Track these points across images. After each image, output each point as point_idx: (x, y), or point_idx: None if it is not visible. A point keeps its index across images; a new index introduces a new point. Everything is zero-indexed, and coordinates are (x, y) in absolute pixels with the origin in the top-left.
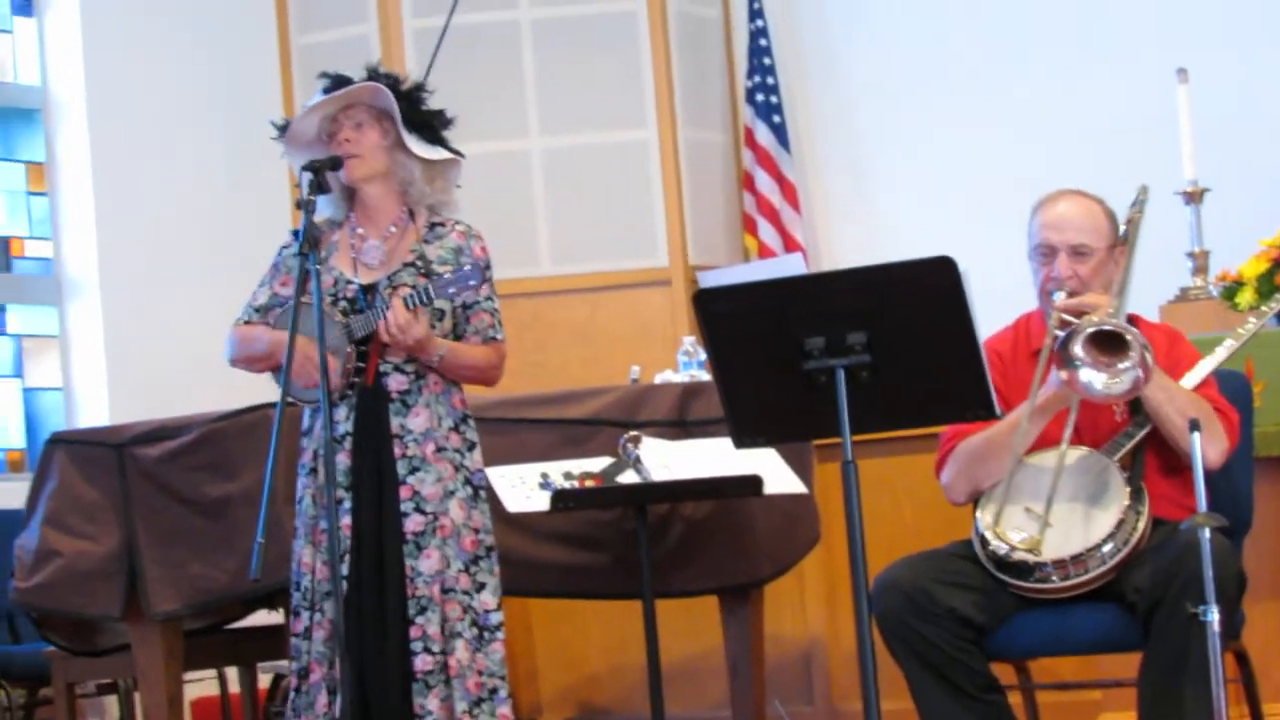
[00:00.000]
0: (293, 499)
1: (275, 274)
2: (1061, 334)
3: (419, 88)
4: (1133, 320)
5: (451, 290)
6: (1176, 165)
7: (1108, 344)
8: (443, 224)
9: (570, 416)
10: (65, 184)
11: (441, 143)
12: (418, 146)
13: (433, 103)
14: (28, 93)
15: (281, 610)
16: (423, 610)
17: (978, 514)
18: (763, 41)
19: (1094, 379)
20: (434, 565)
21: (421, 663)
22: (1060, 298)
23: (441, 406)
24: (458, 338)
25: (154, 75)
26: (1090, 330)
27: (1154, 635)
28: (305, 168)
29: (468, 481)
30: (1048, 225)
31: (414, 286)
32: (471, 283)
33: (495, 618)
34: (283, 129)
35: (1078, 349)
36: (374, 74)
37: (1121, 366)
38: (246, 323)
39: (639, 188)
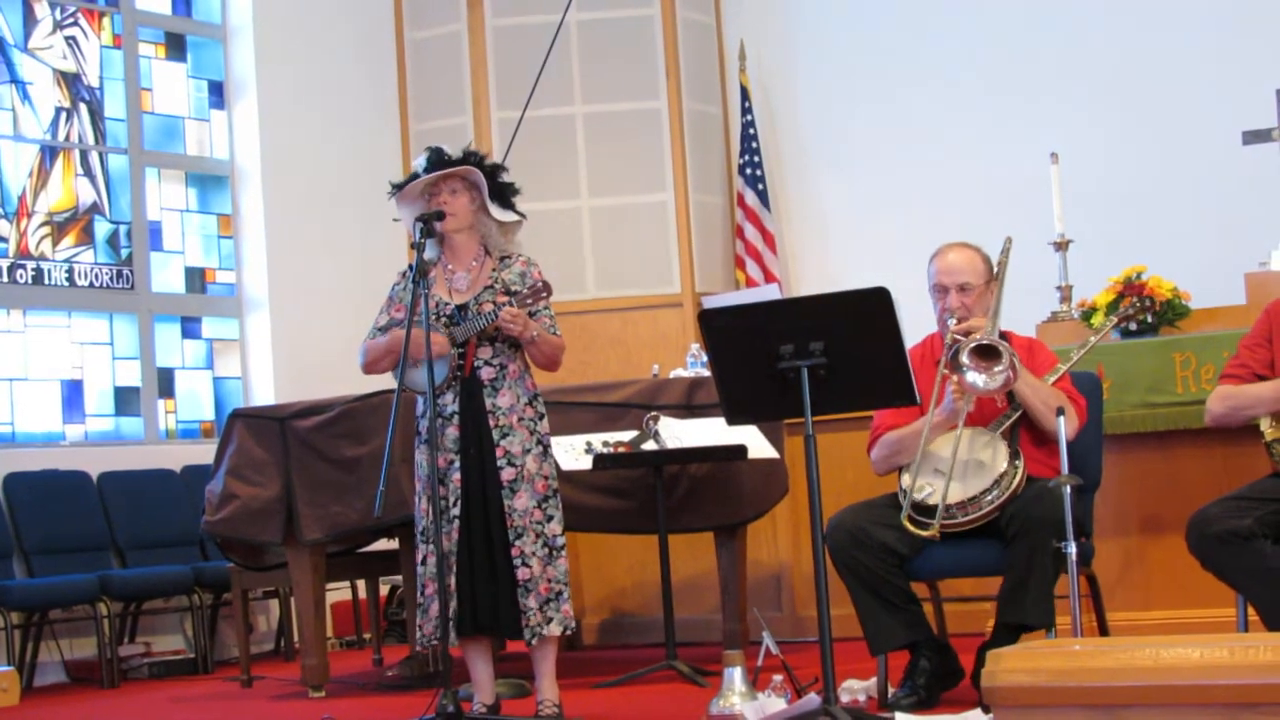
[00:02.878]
0: (409, 460)
1: (390, 303)
2: (951, 349)
3: (499, 166)
4: (1005, 335)
5: (529, 301)
6: (1050, 222)
7: (986, 354)
8: (509, 257)
9: (608, 401)
10: (245, 230)
11: (512, 207)
12: (495, 211)
13: (508, 177)
14: (219, 164)
15: (397, 539)
16: (519, 536)
17: (900, 477)
18: (751, 131)
19: (977, 379)
20: (524, 504)
21: (522, 573)
22: (953, 323)
23: (519, 388)
24: None
25: (311, 151)
26: (972, 345)
27: (1011, 555)
28: (418, 219)
29: (539, 442)
30: (940, 270)
31: (495, 302)
32: (543, 295)
33: (560, 540)
34: (397, 188)
35: (964, 358)
36: (469, 154)
37: (996, 370)
38: (371, 340)
39: (660, 235)
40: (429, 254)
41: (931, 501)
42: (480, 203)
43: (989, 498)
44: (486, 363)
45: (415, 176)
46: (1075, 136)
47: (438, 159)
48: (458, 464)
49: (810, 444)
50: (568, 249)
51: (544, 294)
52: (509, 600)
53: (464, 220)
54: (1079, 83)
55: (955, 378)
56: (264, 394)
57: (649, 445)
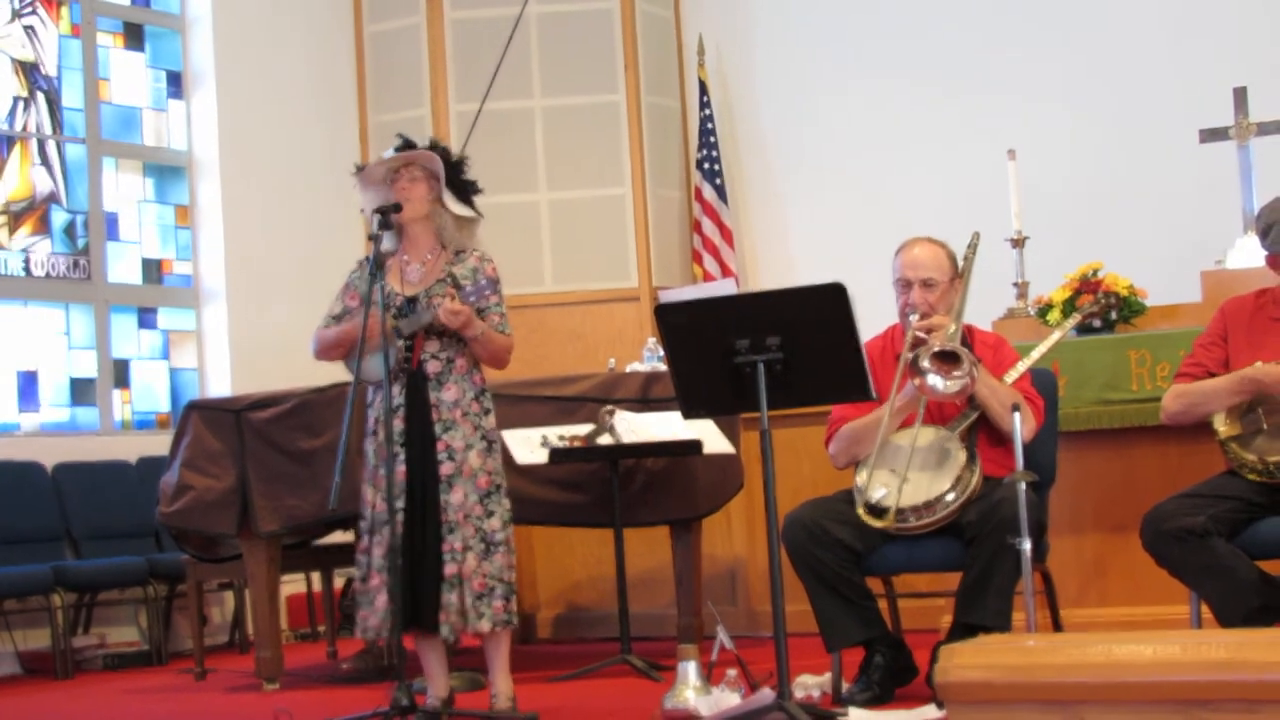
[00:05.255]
0: (363, 452)
1: (345, 291)
2: (912, 355)
3: (463, 160)
4: (969, 331)
5: (473, 298)
6: (1007, 219)
7: (947, 358)
8: (464, 251)
9: (564, 394)
10: (202, 221)
11: (470, 204)
12: (452, 203)
13: (470, 173)
14: (177, 154)
15: (352, 532)
16: (451, 530)
17: (856, 473)
18: (709, 125)
19: (937, 382)
20: (459, 499)
21: (449, 569)
22: (915, 319)
23: (466, 383)
24: None
25: (269, 142)
26: (934, 350)
27: (970, 558)
28: (376, 210)
29: (484, 437)
30: (905, 264)
31: (444, 296)
32: (487, 291)
33: (499, 536)
34: (360, 169)
35: (925, 362)
36: (433, 145)
37: (956, 374)
38: (325, 328)
39: (617, 229)
40: (388, 245)
41: (886, 502)
42: (438, 194)
43: (947, 499)
44: (433, 356)
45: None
46: (1034, 133)
47: (405, 146)
48: (402, 457)
49: (766, 439)
50: (525, 242)
51: (487, 290)
52: (432, 594)
53: (420, 208)
54: (1038, 80)
55: (916, 381)
56: (220, 385)
57: (605, 439)
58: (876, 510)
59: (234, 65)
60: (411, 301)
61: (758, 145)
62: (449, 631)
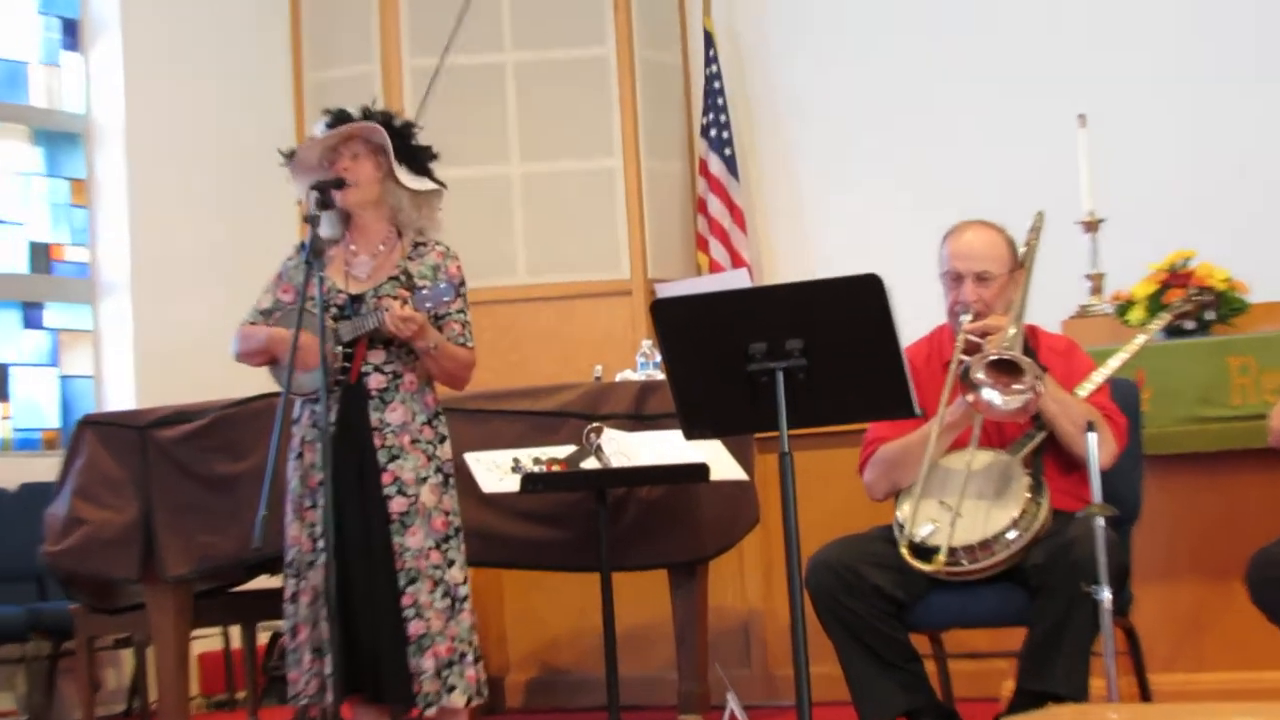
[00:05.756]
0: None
1: (278, 282)
2: (966, 359)
3: (410, 125)
4: (1033, 334)
5: (429, 305)
6: (1076, 198)
7: (1006, 368)
8: (425, 244)
9: (540, 409)
10: (103, 198)
11: (428, 174)
12: (406, 178)
13: (424, 136)
14: (72, 119)
15: (280, 575)
16: (413, 581)
17: (897, 506)
18: (716, 85)
19: (994, 397)
20: (419, 542)
21: (414, 627)
22: (967, 319)
23: (416, 403)
24: None
25: (184, 105)
26: (989, 359)
27: (1037, 610)
28: (313, 187)
29: (439, 469)
30: (955, 254)
31: (395, 298)
32: (445, 298)
33: (464, 590)
34: (289, 156)
35: (980, 373)
36: (370, 113)
37: (1017, 387)
38: (251, 323)
39: (606, 209)
40: (330, 231)
41: (935, 541)
42: (388, 169)
43: (1008, 537)
44: (378, 369)
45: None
46: (1110, 92)
47: (337, 121)
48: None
49: (786, 463)
50: (494, 224)
51: (445, 296)
52: (395, 659)
53: (369, 191)
54: (1114, 26)
55: (970, 395)
56: (121, 397)
57: (589, 463)
58: (923, 551)
59: (143, 12)
60: (356, 301)
61: (775, 109)
62: (425, 704)
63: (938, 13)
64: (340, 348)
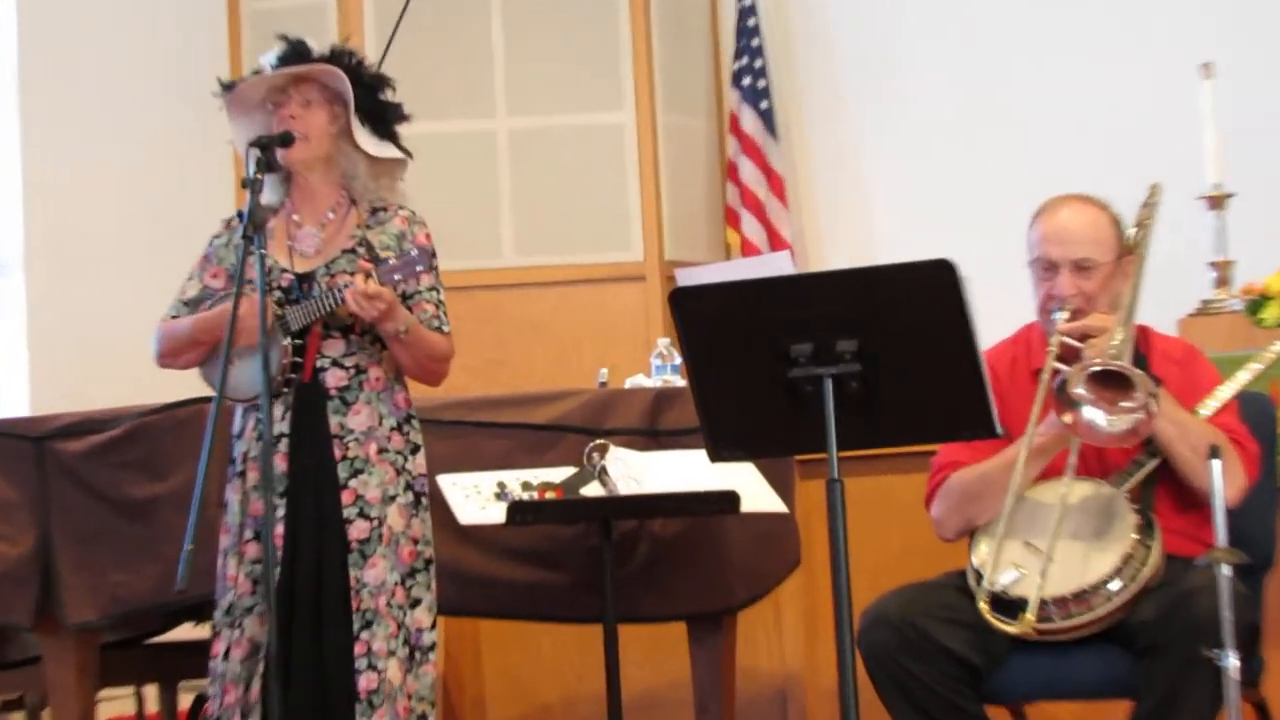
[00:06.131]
0: (224, 504)
1: (206, 265)
2: (1061, 369)
3: (381, 79)
4: (1144, 337)
5: (396, 277)
6: (1198, 168)
7: (1111, 379)
8: (385, 208)
9: (531, 421)
10: None
11: (393, 138)
12: (366, 140)
13: (393, 94)
14: None
15: (208, 625)
16: (368, 625)
17: (972, 547)
18: (751, 20)
19: (1096, 417)
20: (380, 575)
21: (366, 681)
22: (1062, 318)
23: (383, 405)
24: None
25: (91, 42)
26: (1090, 370)
27: (1145, 678)
28: (253, 144)
29: (409, 487)
30: (1048, 238)
31: (354, 274)
32: (419, 268)
33: (429, 638)
34: (228, 87)
35: (1078, 387)
36: (336, 54)
37: (1125, 405)
38: (173, 317)
39: (613, 175)
40: (272, 198)
41: (1020, 592)
42: (344, 124)
43: (1109, 588)
44: (336, 363)
45: (256, 74)
46: (1240, 39)
47: (294, 54)
48: (281, 513)
49: (836, 492)
50: (475, 192)
51: (418, 266)
52: (339, 717)
53: (318, 147)
54: None
55: (1067, 415)
56: (12, 400)
57: (591, 489)
58: (1005, 604)
59: None
60: (305, 281)
61: (825, 51)
62: None
63: None
64: (289, 340)
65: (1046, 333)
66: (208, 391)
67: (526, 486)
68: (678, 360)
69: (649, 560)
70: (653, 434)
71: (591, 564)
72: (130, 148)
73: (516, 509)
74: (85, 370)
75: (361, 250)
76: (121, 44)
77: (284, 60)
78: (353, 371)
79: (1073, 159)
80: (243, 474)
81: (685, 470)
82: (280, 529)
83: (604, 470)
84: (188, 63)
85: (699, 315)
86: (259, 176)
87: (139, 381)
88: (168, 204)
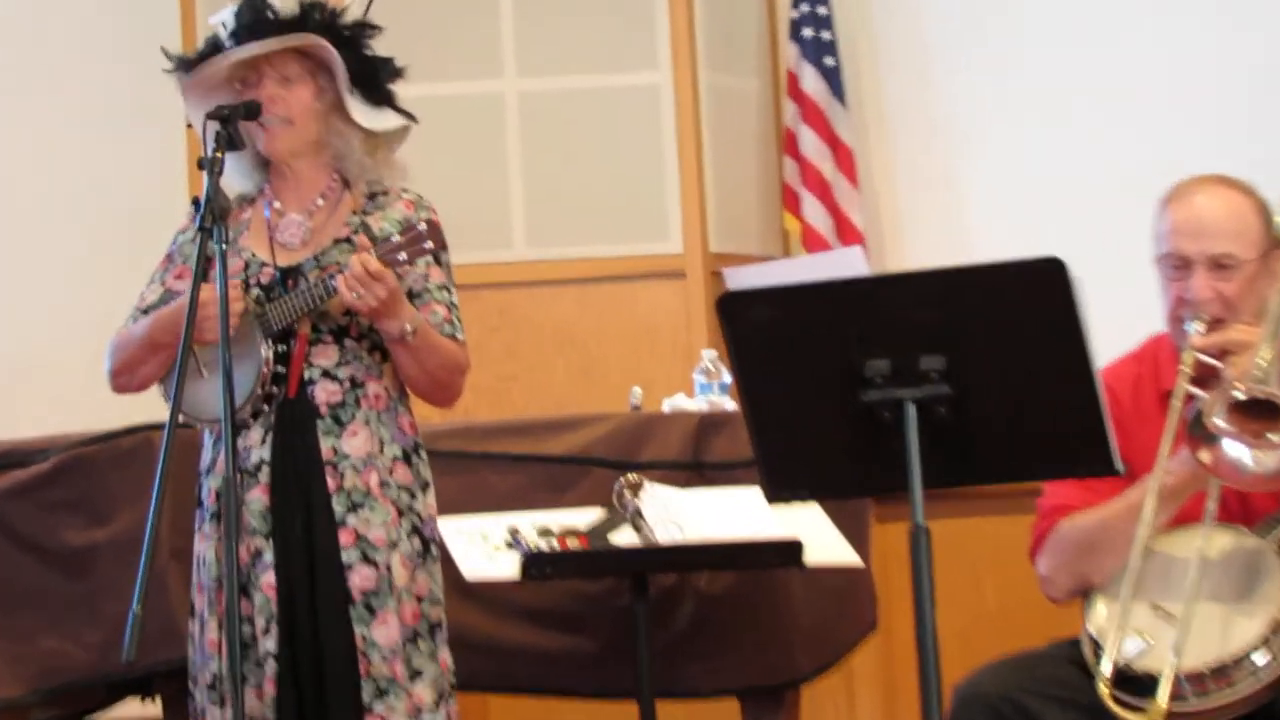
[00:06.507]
0: (185, 551)
1: (169, 265)
2: (1197, 393)
3: (364, 27)
4: None
5: (401, 256)
6: None
7: (1258, 408)
8: (385, 192)
9: (550, 453)
10: None
11: (389, 102)
12: (359, 112)
13: (379, 42)
14: None
15: (159, 700)
16: (382, 694)
17: (1088, 609)
18: None
19: (1239, 454)
20: (392, 636)
21: None
22: (1196, 330)
23: (385, 428)
24: None
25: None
26: (1233, 398)
27: None
28: (211, 115)
29: (415, 531)
30: (1180, 229)
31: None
32: (426, 244)
33: (441, 718)
34: (184, 65)
35: (1217, 417)
36: (310, 8)
37: (1274, 439)
38: (128, 328)
39: (646, 148)
40: (243, 184)
41: (1148, 667)
42: (333, 98)
43: (1254, 660)
44: (327, 374)
45: (216, 49)
46: None
47: (254, 19)
48: (269, 558)
49: (921, 541)
50: (478, 170)
51: (426, 242)
52: None
53: (305, 131)
54: None
55: (1204, 452)
56: None
57: (623, 536)
58: (1130, 681)
59: None
60: (289, 276)
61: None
62: None
63: None
64: (268, 345)
65: (1178, 347)
66: (161, 417)
67: (544, 533)
68: (727, 378)
69: (693, 623)
70: (697, 468)
71: (623, 628)
72: (57, 124)
73: (532, 561)
74: (14, 393)
75: (358, 238)
76: None
77: (242, 21)
78: (347, 385)
79: (1212, 130)
80: (217, 515)
81: (737, 513)
82: (269, 578)
83: (638, 512)
84: (128, 16)
85: (753, 325)
86: (219, 155)
87: (75, 404)
88: (101, 190)
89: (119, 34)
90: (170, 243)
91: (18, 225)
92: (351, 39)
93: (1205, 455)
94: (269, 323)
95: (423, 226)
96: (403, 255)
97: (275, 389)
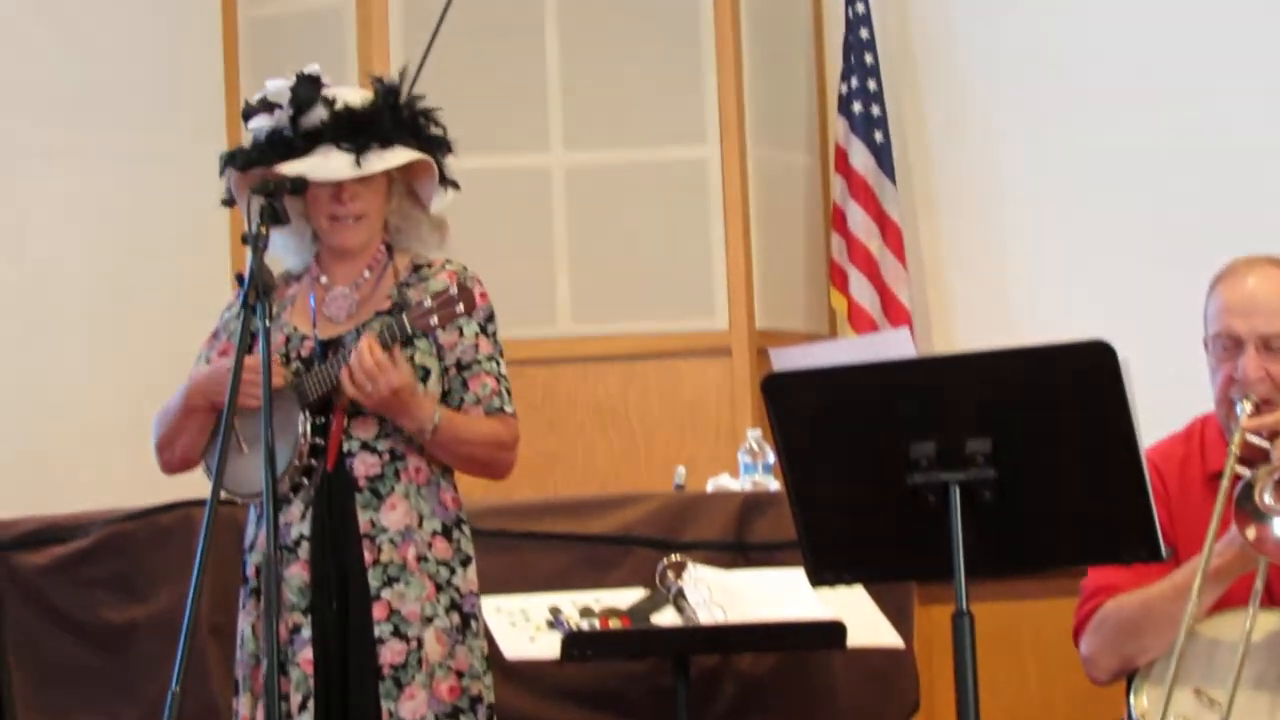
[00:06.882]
0: (226, 628)
1: (215, 342)
2: (1246, 473)
3: (425, 113)
4: None
5: (433, 320)
6: None
7: None
8: (429, 264)
9: (592, 532)
10: None
11: (443, 179)
12: (436, 200)
13: (439, 124)
14: None
15: None
16: None
17: (1133, 694)
18: (863, 33)
19: None
20: (418, 710)
21: None
22: (1246, 410)
23: (425, 502)
24: (451, 409)
25: (51, 56)
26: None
27: None
28: (256, 190)
29: (454, 607)
30: (1231, 308)
31: (382, 326)
32: (457, 307)
33: None
34: (230, 162)
35: (1268, 496)
36: (386, 92)
37: None
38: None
39: (692, 223)
40: (293, 260)
41: None
42: (404, 186)
43: None
44: (367, 446)
45: (281, 143)
46: None
47: (306, 95)
48: (306, 633)
49: (965, 626)
50: (523, 244)
51: (458, 306)
52: None
53: (379, 223)
54: None
55: (1251, 529)
56: None
57: (665, 617)
58: None
59: None
60: (330, 348)
61: (952, 71)
62: None
63: None
64: (306, 417)
65: (1226, 428)
66: (200, 493)
67: (586, 613)
68: (771, 458)
69: (735, 704)
70: (740, 548)
71: (665, 709)
72: (95, 191)
73: (573, 641)
74: (42, 465)
75: (368, 332)
76: (86, 61)
77: (296, 103)
78: (387, 458)
79: (1268, 212)
80: (257, 591)
81: (780, 594)
82: (307, 654)
83: (680, 593)
84: (169, 84)
85: (798, 406)
86: (263, 230)
87: (114, 478)
88: (139, 262)
89: (162, 107)
90: (217, 319)
91: (60, 299)
92: (415, 123)
93: (1252, 532)
94: (305, 394)
95: (453, 290)
96: (434, 319)
97: (314, 461)
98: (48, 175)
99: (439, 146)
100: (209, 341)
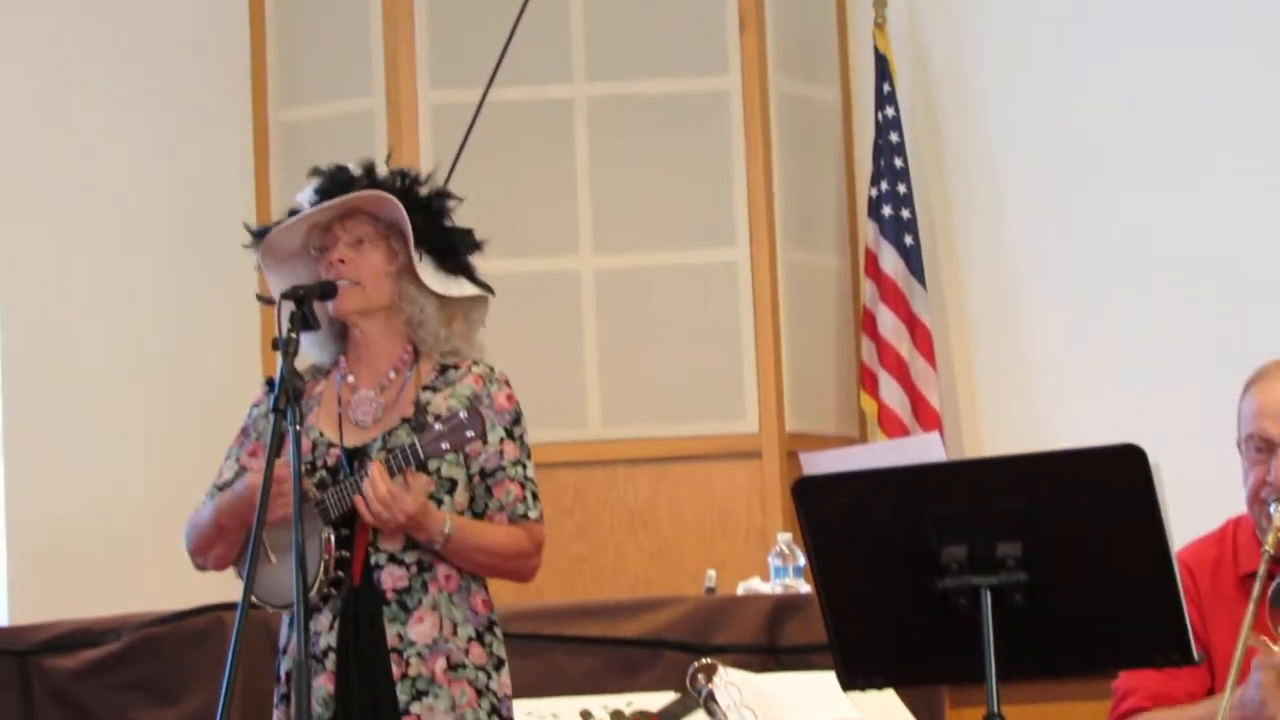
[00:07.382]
0: None
1: (244, 441)
2: (1275, 584)
3: (441, 195)
4: None
5: (444, 445)
6: None
7: None
8: (456, 366)
9: (623, 635)
10: None
11: (465, 271)
12: (431, 276)
13: (459, 214)
14: None
15: None
16: None
17: None
18: (893, 136)
19: None
20: None
21: None
22: (1279, 513)
23: (457, 610)
24: (477, 515)
25: (83, 161)
26: None
27: None
28: (286, 296)
29: (495, 712)
30: (1264, 411)
31: (395, 447)
32: (469, 433)
33: None
34: (258, 235)
35: None
36: (387, 175)
37: None
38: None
39: (723, 325)
40: (319, 356)
41: None
42: (405, 261)
43: None
44: (394, 559)
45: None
46: None
47: (333, 185)
48: None
49: None
50: (553, 347)
51: (469, 431)
52: None
53: (374, 294)
54: None
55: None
56: None
57: None
58: None
59: (38, 28)
60: (356, 458)
61: (983, 175)
62: None
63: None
64: (330, 531)
65: (1259, 529)
66: (231, 595)
67: (617, 716)
68: (801, 561)
69: None
70: (771, 652)
71: None
72: (126, 296)
73: None
74: (76, 570)
75: (372, 465)
76: (119, 165)
77: (323, 194)
78: (414, 569)
79: None
80: (288, 697)
81: (811, 698)
82: None
83: (711, 696)
84: (201, 186)
85: (829, 509)
86: (293, 336)
87: (141, 582)
88: (171, 366)
89: (195, 208)
90: (245, 416)
91: (89, 398)
92: (429, 208)
93: None
94: (328, 510)
95: (463, 415)
96: (445, 445)
97: (341, 574)
98: (84, 296)
99: (421, 210)
100: (238, 439)
